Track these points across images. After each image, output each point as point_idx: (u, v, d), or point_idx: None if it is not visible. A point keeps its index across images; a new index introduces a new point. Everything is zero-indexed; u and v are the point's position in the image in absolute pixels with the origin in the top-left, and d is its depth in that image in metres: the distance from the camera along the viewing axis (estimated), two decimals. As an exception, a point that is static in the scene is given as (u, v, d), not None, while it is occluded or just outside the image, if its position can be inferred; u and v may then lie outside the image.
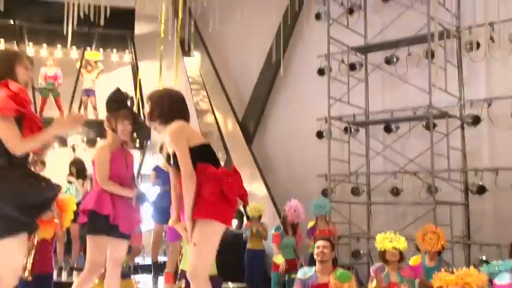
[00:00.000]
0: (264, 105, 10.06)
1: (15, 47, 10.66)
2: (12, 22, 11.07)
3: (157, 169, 6.48)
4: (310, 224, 6.73)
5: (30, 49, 11.07)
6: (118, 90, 3.82)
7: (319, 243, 4.34)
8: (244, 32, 10.28)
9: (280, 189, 8.92)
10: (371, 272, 4.31)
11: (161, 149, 5.80)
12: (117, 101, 3.63)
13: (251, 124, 10.13)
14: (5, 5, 9.54)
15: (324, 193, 8.20)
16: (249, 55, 10.41)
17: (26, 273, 4.65)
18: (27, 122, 2.46)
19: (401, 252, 4.31)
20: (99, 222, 3.42)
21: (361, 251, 7.86)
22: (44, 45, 11.26)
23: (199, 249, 2.73)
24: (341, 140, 8.37)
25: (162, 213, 5.77)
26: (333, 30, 8.22)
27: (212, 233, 2.76)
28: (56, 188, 2.62)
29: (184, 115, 2.99)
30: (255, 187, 9.37)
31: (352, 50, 8.28)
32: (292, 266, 6.00)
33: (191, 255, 2.79)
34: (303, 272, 4.32)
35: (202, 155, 2.82)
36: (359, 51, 8.36)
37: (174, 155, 2.84)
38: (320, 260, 4.21)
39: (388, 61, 7.96)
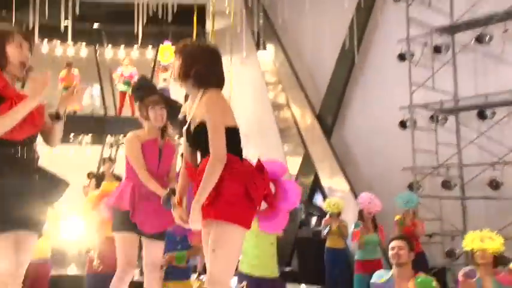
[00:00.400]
0: (342, 96, 9.65)
1: (95, 50, 11.24)
2: (91, 26, 11.63)
3: None
4: (397, 218, 6.20)
5: (109, 50, 11.57)
6: (142, 78, 3.61)
7: (393, 243, 3.71)
8: (317, 20, 9.94)
9: (363, 184, 8.45)
10: (459, 276, 3.68)
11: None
12: (143, 88, 3.36)
13: (329, 117, 9.76)
14: (81, 9, 9.92)
15: (410, 187, 7.62)
16: (323, 44, 10.05)
17: (96, 263, 4.66)
18: (7, 104, 2.21)
19: (497, 255, 3.62)
20: (119, 219, 3.19)
21: (457, 251, 7.19)
22: (122, 46, 11.69)
23: (217, 254, 2.30)
24: (427, 130, 7.76)
25: None
26: (413, 11, 7.69)
27: (231, 237, 2.30)
28: (59, 183, 2.44)
29: (222, 82, 2.46)
30: (335, 182, 9.12)
31: (436, 31, 7.67)
32: (377, 267, 5.43)
33: (208, 261, 2.38)
34: (378, 276, 3.78)
35: (232, 141, 2.32)
36: (444, 32, 7.71)
37: (200, 129, 2.33)
38: (396, 262, 3.62)
39: (479, 40, 7.22)
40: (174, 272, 3.96)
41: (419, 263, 4.63)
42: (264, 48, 11.42)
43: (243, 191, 2.25)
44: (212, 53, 2.47)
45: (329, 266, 6.48)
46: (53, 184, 2.43)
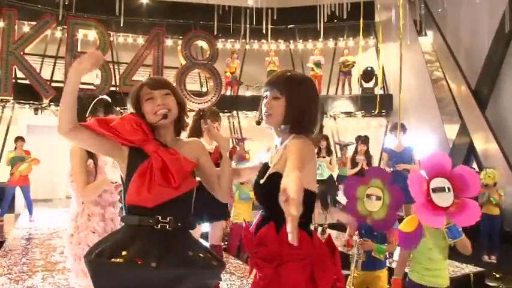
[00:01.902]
0: (497, 72, 10.38)
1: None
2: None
3: (388, 150, 7.15)
4: None
5: (300, 44, 14.58)
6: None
7: None
8: (473, 7, 10.76)
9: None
10: None
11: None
12: None
13: (484, 91, 10.64)
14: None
15: None
16: (479, 28, 10.93)
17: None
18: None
19: None
20: None
21: None
22: (310, 40, 14.58)
23: None
24: None
25: None
26: None
27: None
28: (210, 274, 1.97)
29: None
30: (490, 151, 9.88)
31: None
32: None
33: None
34: None
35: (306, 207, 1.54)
36: None
37: (272, 179, 1.84)
38: None
39: None
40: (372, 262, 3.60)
41: None
42: (425, 34, 12.77)
43: (307, 278, 1.78)
44: (318, 95, 2.00)
45: (484, 231, 6.72)
46: (197, 277, 1.85)
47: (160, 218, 1.88)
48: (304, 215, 1.47)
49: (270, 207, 1.88)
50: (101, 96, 2.94)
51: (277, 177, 1.71)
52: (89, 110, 2.82)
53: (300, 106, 1.91)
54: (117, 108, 3.15)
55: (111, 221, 2.86)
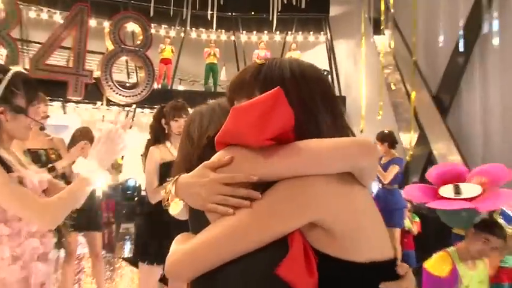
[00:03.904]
0: (460, 76, 9.71)
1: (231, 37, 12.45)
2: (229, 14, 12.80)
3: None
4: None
5: (243, 36, 12.77)
6: None
7: None
8: (433, 4, 10.13)
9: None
10: None
11: None
12: None
13: (446, 97, 9.96)
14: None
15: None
16: (444, 24, 10.18)
17: None
18: None
19: None
20: None
21: None
22: (254, 32, 12.85)
23: None
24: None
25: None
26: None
27: None
28: None
29: None
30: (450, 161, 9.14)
31: None
32: None
33: None
34: None
35: None
36: None
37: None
38: None
39: None
40: None
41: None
42: (383, 33, 11.75)
43: None
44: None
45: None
46: None
47: None
48: None
49: None
50: (15, 68, 1.77)
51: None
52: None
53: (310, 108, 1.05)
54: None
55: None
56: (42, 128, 2.77)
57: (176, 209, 1.06)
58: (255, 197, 0.92)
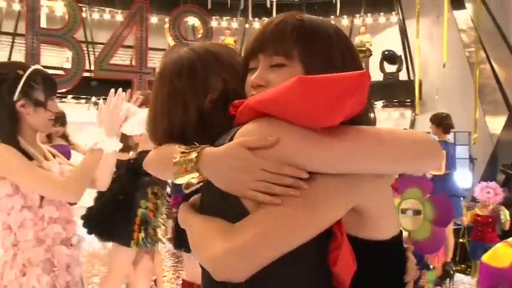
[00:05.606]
0: None
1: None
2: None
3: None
4: None
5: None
6: None
7: None
8: None
9: None
10: None
11: None
12: None
13: None
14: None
15: None
16: None
17: None
18: None
19: None
20: None
21: None
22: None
23: None
24: None
25: None
26: None
27: None
28: None
29: None
30: None
31: None
32: None
33: None
34: None
35: None
36: None
37: None
38: None
39: None
40: None
41: None
42: (463, 7, 10.74)
43: None
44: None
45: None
46: None
47: None
48: None
49: None
50: (34, 67, 1.87)
51: None
52: (19, 88, 1.79)
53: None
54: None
55: (66, 270, 1.90)
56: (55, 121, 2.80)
57: (188, 181, 0.92)
58: (304, 187, 0.84)
